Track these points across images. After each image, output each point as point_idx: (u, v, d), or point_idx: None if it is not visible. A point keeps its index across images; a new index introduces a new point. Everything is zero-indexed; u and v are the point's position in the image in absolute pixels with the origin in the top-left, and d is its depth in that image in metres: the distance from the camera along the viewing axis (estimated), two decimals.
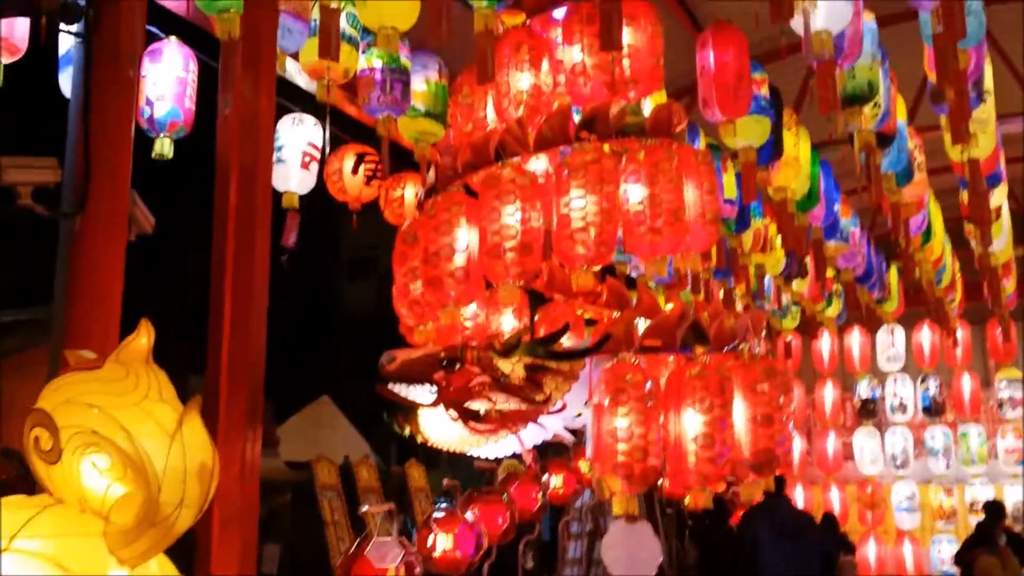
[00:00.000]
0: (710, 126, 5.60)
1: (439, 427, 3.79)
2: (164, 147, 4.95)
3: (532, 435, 3.88)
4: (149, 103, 4.93)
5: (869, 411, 11.20)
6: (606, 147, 4.08)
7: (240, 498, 3.25)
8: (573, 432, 4.19)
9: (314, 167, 5.99)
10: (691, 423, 3.78)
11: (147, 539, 2.38)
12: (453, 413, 3.73)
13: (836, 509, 10.84)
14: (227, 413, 3.29)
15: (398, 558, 3.93)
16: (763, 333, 4.22)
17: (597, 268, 4.11)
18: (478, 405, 3.71)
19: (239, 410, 3.29)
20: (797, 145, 6.19)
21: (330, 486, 17.05)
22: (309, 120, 6.01)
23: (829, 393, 11.25)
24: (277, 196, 6.08)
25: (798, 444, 11.28)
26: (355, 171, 6.38)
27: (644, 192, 4.01)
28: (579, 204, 3.91)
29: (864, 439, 11.05)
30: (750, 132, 5.33)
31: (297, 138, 5.93)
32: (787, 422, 4.07)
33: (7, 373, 5.75)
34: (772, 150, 5.73)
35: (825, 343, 11.20)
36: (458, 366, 3.74)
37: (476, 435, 3.76)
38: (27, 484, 2.56)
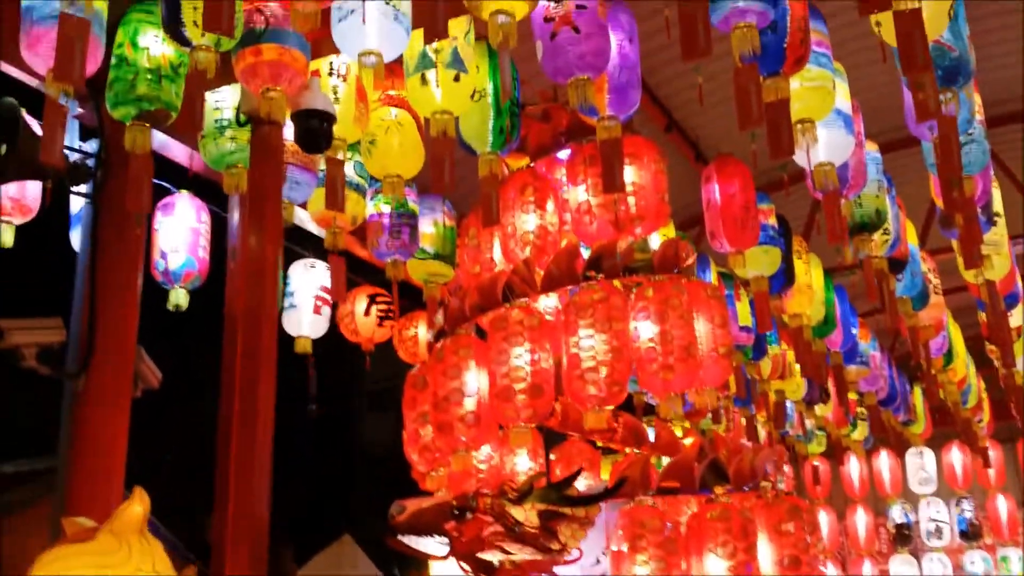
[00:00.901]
0: (721, 256, 5.60)
1: None
2: (179, 298, 4.97)
3: None
4: (163, 255, 4.97)
5: (904, 537, 10.85)
6: (616, 283, 4.06)
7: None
8: None
9: (326, 311, 5.99)
10: (714, 569, 3.64)
11: None
12: (466, 566, 3.60)
13: None
14: (230, 567, 3.19)
15: None
16: (785, 467, 4.09)
17: (610, 407, 4.03)
18: (491, 556, 3.58)
19: (241, 565, 3.19)
20: (809, 272, 6.16)
21: None
22: (321, 265, 6.04)
23: (862, 519, 10.90)
24: (291, 341, 6.08)
25: (833, 573, 10.89)
26: (367, 312, 6.38)
27: (654, 329, 3.97)
28: (588, 343, 3.86)
29: (901, 566, 10.68)
30: (760, 262, 5.30)
31: (309, 283, 5.94)
32: (815, 563, 3.91)
33: (12, 529, 5.65)
34: (784, 278, 5.69)
35: (854, 467, 10.91)
36: (469, 515, 3.63)
37: None
38: None
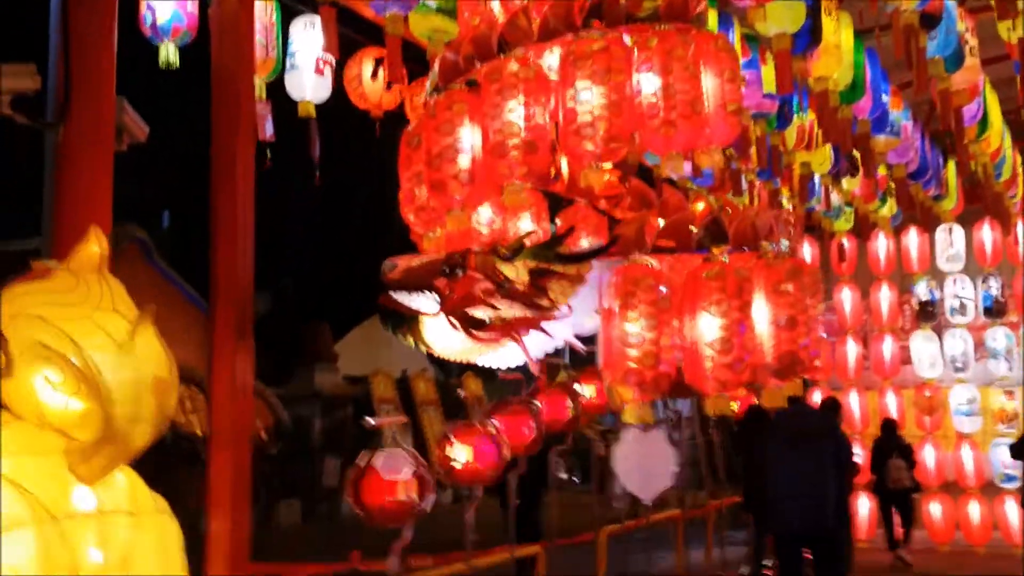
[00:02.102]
0: (745, 15, 5.26)
1: (442, 336, 3.64)
2: (170, 54, 4.79)
3: (538, 344, 3.71)
4: (150, 8, 4.76)
5: (928, 313, 10.86)
6: (625, 39, 3.81)
7: (231, 416, 3.15)
8: (586, 340, 4.00)
9: (329, 73, 5.78)
10: (707, 327, 3.58)
11: (104, 455, 2.27)
12: (455, 321, 3.57)
13: (893, 414, 10.61)
14: (217, 328, 3.17)
15: (408, 469, 3.83)
16: (790, 230, 3.96)
17: (609, 165, 3.88)
18: (481, 313, 3.54)
19: (227, 325, 3.17)
20: (838, 32, 5.80)
21: (388, 400, 17.22)
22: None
23: (886, 296, 10.92)
24: (294, 106, 5.91)
25: (853, 349, 11.01)
26: (374, 76, 6.16)
27: (657, 82, 3.74)
28: (586, 96, 3.66)
29: (922, 342, 10.74)
30: (782, 17, 4.97)
31: (310, 43, 5.71)
32: (813, 325, 3.84)
33: None
34: (809, 36, 5.35)
35: (881, 244, 10.83)
36: (460, 272, 3.57)
37: (479, 344, 3.59)
38: None
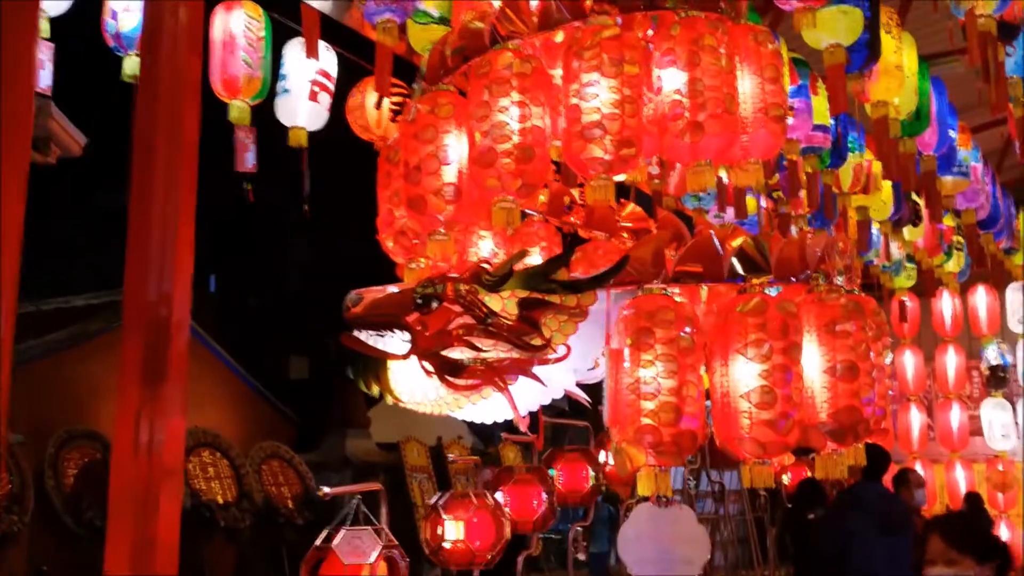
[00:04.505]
0: (795, 38, 4.59)
1: (412, 384, 2.94)
2: (133, 67, 4.24)
3: (529, 393, 2.99)
4: (114, 15, 4.23)
5: (999, 379, 9.93)
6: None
7: (134, 478, 2.49)
8: (589, 389, 3.28)
9: (324, 98, 5.20)
10: (743, 374, 2.84)
11: None
12: (428, 366, 2.87)
13: (962, 491, 9.67)
14: (124, 368, 2.54)
15: (375, 551, 3.12)
16: (848, 262, 3.21)
17: (621, 178, 3.20)
18: (459, 354, 2.85)
19: (134, 365, 2.53)
20: (900, 51, 5.10)
21: (420, 468, 16.41)
22: (320, 44, 5.22)
23: (952, 360, 9.99)
24: (285, 133, 5.36)
25: (917, 418, 10.10)
26: (378, 105, 5.56)
27: (682, 77, 3.08)
28: (592, 91, 3.00)
29: (993, 411, 9.79)
30: (836, 26, 4.30)
31: (305, 65, 5.14)
32: (880, 376, 3.09)
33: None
34: (867, 51, 4.66)
35: (946, 303, 9.94)
36: (435, 305, 2.88)
37: (456, 393, 2.89)
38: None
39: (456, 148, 3.20)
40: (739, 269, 3.02)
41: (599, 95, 2.99)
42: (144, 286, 2.63)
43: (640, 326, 2.80)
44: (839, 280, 3.17)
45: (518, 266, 2.90)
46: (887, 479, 6.71)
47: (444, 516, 3.56)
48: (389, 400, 2.99)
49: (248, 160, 4.71)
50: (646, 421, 2.73)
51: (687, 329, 2.85)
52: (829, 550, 5.11)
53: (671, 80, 3.10)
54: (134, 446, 2.52)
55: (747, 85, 3.26)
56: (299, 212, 5.64)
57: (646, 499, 2.89)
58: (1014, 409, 9.80)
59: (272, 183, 5.70)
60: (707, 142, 3.06)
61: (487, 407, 2.99)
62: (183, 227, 2.95)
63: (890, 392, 3.39)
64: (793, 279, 3.08)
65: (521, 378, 2.86)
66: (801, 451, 4.30)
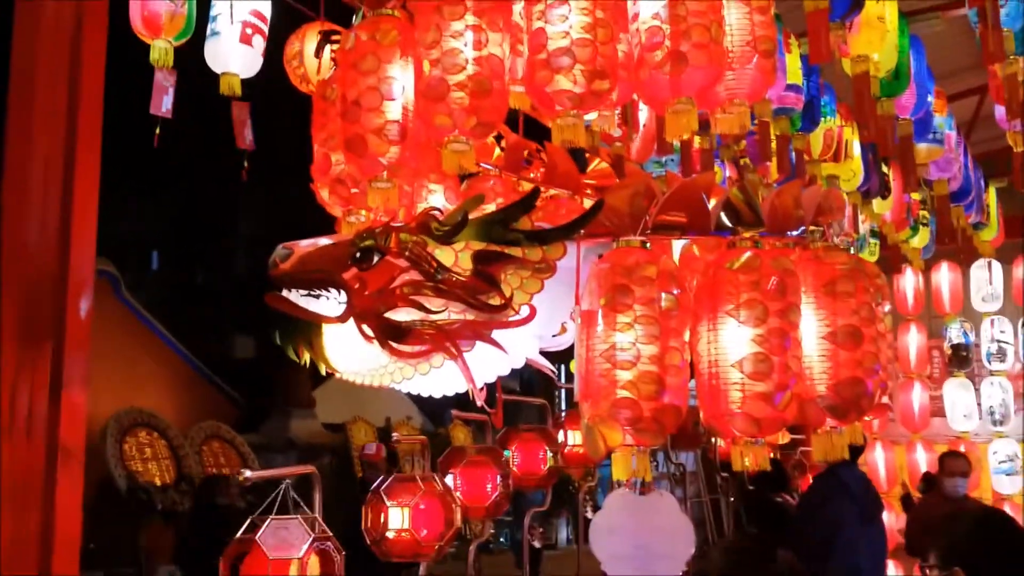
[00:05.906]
0: None
1: (349, 351, 2.51)
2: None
3: (487, 362, 2.57)
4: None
5: (962, 359, 9.74)
6: None
7: (13, 459, 2.06)
8: (556, 357, 2.88)
9: (259, 41, 4.72)
10: (734, 340, 2.45)
11: None
12: (367, 329, 2.45)
13: (923, 472, 9.48)
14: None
15: (304, 543, 2.71)
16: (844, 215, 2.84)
17: (594, 116, 2.79)
18: (404, 315, 2.42)
19: (10, 323, 2.09)
20: (882, 2, 4.75)
21: None
22: None
23: (914, 339, 9.78)
24: (215, 80, 4.88)
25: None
26: (319, 54, 5.08)
27: (661, 1, 2.67)
28: (560, 13, 2.59)
29: (956, 391, 9.61)
30: None
31: (236, 6, 4.66)
32: (883, 345, 2.72)
33: None
34: (849, 1, 4.30)
35: (909, 281, 9.73)
36: (376, 258, 2.46)
37: (400, 361, 2.47)
38: None
39: (401, 80, 2.76)
40: (726, 221, 2.63)
41: (568, 18, 2.58)
42: (23, 231, 2.18)
43: (616, 284, 2.39)
44: (836, 239, 2.79)
45: (473, 213, 2.48)
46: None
47: (387, 502, 3.18)
48: (323, 369, 2.57)
49: (164, 103, 4.24)
50: (623, 394, 2.33)
51: (673, 290, 2.45)
52: (813, 537, 4.76)
53: (649, 5, 2.70)
54: (10, 420, 2.07)
55: (733, 15, 2.86)
56: (244, 182, 5.18)
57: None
58: (977, 389, 9.64)
59: (220, 156, 5.25)
60: (690, 75, 2.66)
61: (437, 378, 2.57)
62: (81, 173, 2.50)
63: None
64: (787, 233, 2.70)
65: (477, 344, 2.45)
66: (792, 429, 3.94)
